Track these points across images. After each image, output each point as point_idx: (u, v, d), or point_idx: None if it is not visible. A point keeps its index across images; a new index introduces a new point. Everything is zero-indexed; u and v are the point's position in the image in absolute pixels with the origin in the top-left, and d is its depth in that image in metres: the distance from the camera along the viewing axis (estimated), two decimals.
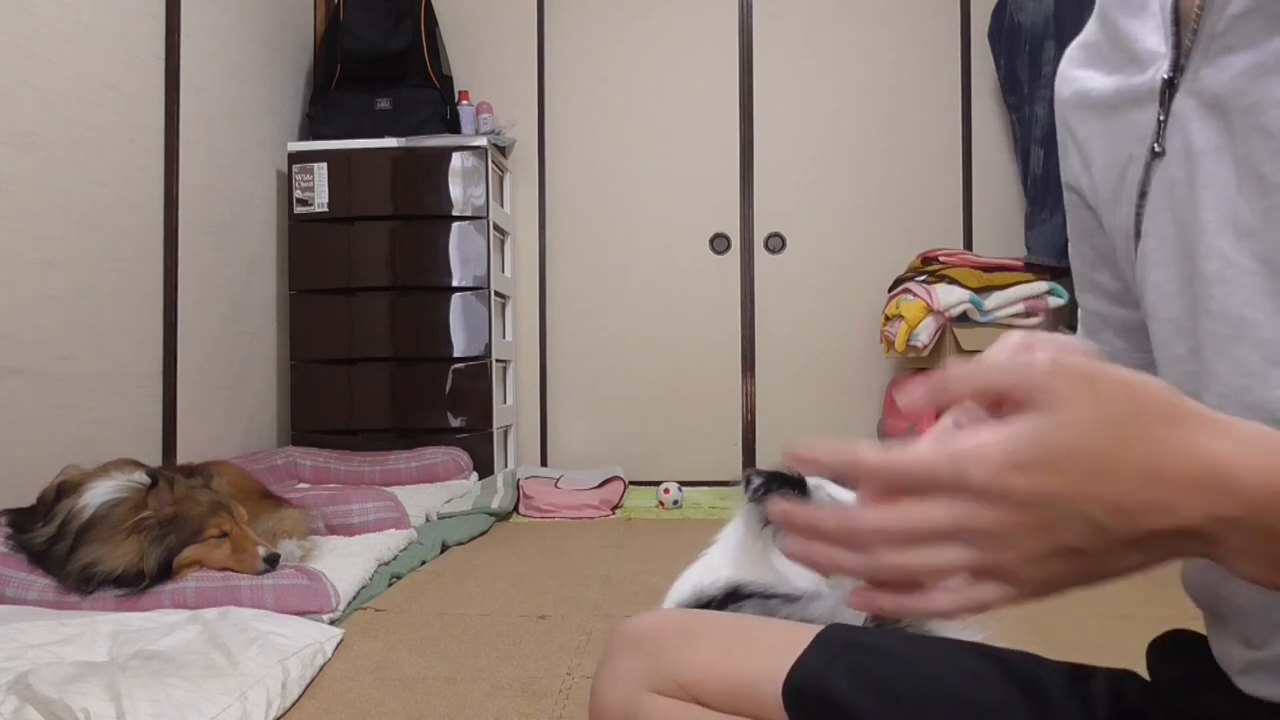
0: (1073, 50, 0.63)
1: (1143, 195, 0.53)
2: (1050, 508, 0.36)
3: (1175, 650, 0.59)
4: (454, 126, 3.63)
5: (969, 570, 0.38)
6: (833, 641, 0.64)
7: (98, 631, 1.50)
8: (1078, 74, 0.61)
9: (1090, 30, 0.62)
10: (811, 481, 1.29)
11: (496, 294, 3.53)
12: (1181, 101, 0.50)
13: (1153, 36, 0.54)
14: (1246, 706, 0.50)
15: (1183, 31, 0.50)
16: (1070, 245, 0.68)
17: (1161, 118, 0.51)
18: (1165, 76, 0.51)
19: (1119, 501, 0.35)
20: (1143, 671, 0.62)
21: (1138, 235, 0.55)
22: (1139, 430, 0.35)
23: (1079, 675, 0.61)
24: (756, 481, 1.25)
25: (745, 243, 3.84)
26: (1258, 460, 0.35)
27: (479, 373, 3.41)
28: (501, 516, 2.97)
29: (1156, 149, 0.51)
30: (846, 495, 1.30)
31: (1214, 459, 0.35)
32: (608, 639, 0.73)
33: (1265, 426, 0.36)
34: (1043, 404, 0.36)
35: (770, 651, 0.64)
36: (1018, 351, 0.47)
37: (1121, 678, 0.61)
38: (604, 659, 0.71)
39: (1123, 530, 0.36)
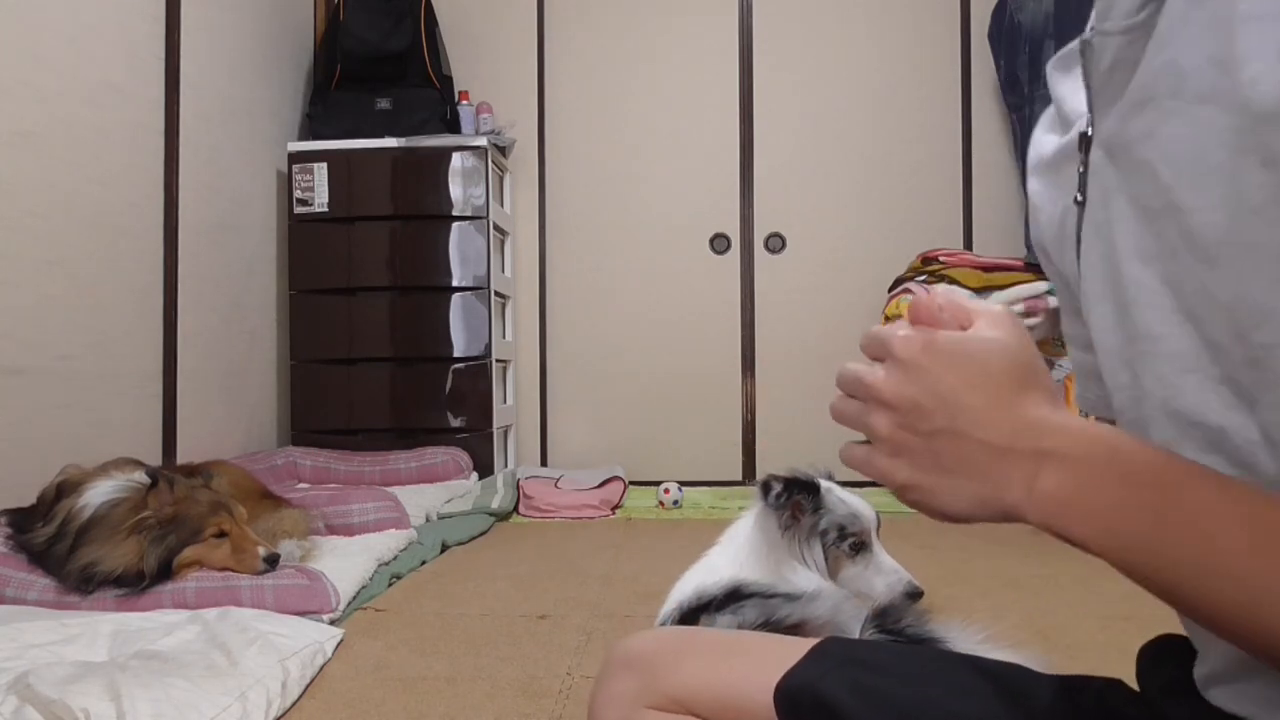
0: (1042, 117, 0.68)
1: (1079, 242, 0.57)
2: (924, 389, 0.47)
3: (1162, 655, 0.60)
4: (454, 126, 3.63)
5: (856, 428, 0.51)
6: (829, 654, 0.65)
7: (98, 631, 1.50)
8: (1041, 138, 0.65)
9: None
10: (823, 485, 1.31)
11: (496, 294, 3.53)
12: (1094, 152, 0.54)
13: (1077, 96, 0.58)
14: (1224, 714, 0.51)
15: (1090, 85, 0.55)
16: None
17: (1081, 169, 0.55)
18: (1083, 131, 0.55)
19: (970, 412, 0.46)
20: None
21: (1081, 281, 0.58)
22: (1016, 378, 0.46)
23: (1069, 687, 0.62)
24: (777, 487, 1.26)
25: (745, 243, 3.84)
26: (1081, 429, 0.45)
27: (479, 373, 3.41)
28: (501, 516, 2.97)
29: (1079, 198, 0.55)
30: (851, 497, 1.32)
31: (1050, 416, 0.45)
32: (604, 659, 0.74)
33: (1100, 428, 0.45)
34: (980, 326, 0.48)
35: (762, 663, 0.65)
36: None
37: (1110, 687, 0.62)
38: (600, 679, 0.72)
39: (961, 437, 0.46)
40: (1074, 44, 0.59)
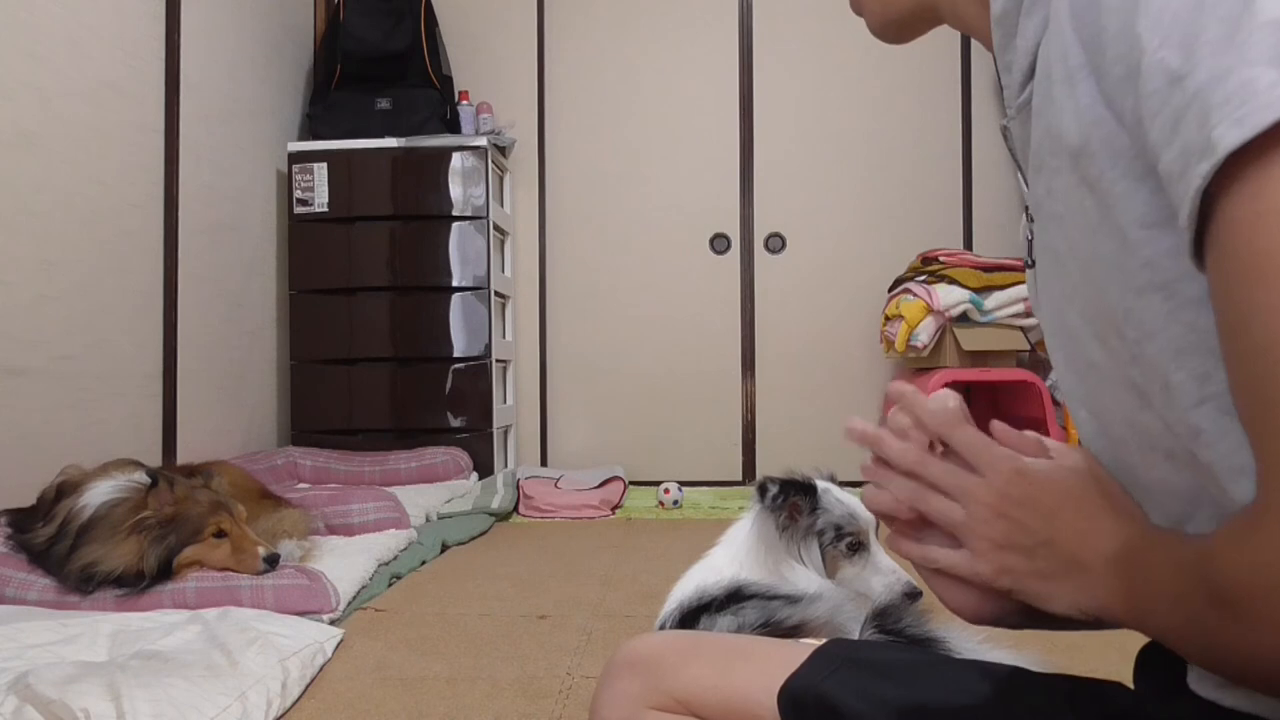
0: None
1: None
2: (1030, 509, 0.55)
3: (1157, 657, 0.60)
4: (454, 126, 3.63)
5: (953, 529, 0.58)
6: (832, 656, 0.66)
7: (98, 631, 1.50)
8: None
9: None
10: (820, 485, 1.31)
11: (496, 294, 3.53)
12: (1028, 219, 0.59)
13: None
14: (1216, 714, 0.51)
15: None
16: None
17: (1028, 237, 0.61)
18: (1025, 205, 0.60)
19: (1061, 529, 0.54)
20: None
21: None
22: (1091, 499, 0.54)
23: (1068, 688, 0.62)
24: (773, 489, 1.26)
25: (745, 243, 3.84)
26: (1137, 537, 0.52)
27: (479, 373, 3.41)
28: (501, 516, 2.97)
29: (1029, 262, 0.61)
30: (849, 498, 1.32)
31: (1114, 527, 0.53)
32: (609, 661, 0.74)
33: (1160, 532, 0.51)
34: (1062, 456, 0.57)
35: (766, 666, 0.66)
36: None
37: (1109, 688, 0.62)
38: (604, 679, 0.72)
39: (1055, 548, 0.54)
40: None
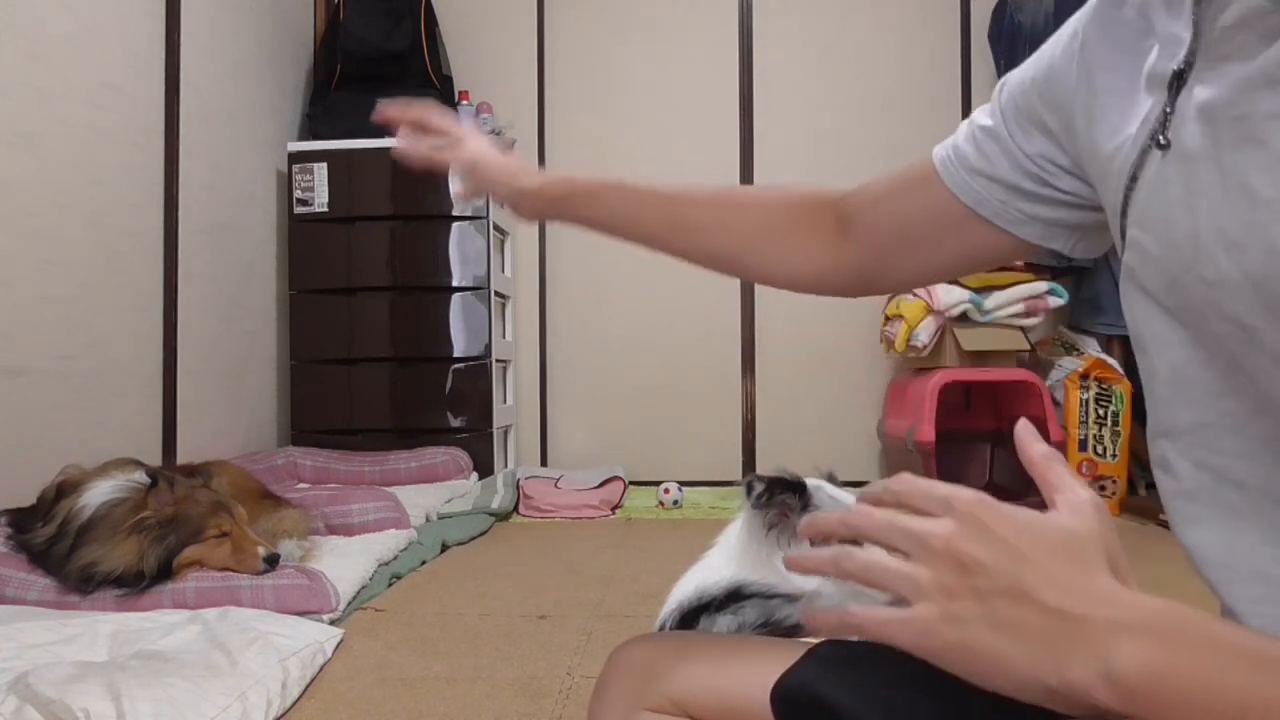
0: None
1: (1133, 180, 0.53)
2: (992, 548, 0.43)
3: None
4: None
5: (894, 584, 0.46)
6: (827, 655, 0.65)
7: (98, 631, 1.50)
8: (1111, 13, 0.60)
9: None
10: (811, 483, 1.30)
11: (496, 294, 3.53)
12: (1184, 99, 0.50)
13: (1174, 20, 0.52)
14: None
15: (1200, 27, 0.50)
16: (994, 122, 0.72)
17: (1168, 109, 0.50)
18: (1176, 69, 0.50)
19: (1039, 574, 0.42)
20: None
21: (1123, 215, 0.55)
22: (1091, 555, 0.43)
23: None
24: (759, 487, 1.25)
25: None
26: (1165, 605, 0.40)
27: (479, 373, 3.41)
28: (501, 516, 2.97)
29: (1162, 140, 0.50)
30: (845, 496, 1.31)
31: (1123, 590, 0.42)
32: (605, 663, 0.74)
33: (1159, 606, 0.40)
34: (1060, 513, 0.45)
35: (761, 665, 0.65)
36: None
37: None
38: (600, 682, 0.72)
39: (1023, 599, 0.41)
40: None
